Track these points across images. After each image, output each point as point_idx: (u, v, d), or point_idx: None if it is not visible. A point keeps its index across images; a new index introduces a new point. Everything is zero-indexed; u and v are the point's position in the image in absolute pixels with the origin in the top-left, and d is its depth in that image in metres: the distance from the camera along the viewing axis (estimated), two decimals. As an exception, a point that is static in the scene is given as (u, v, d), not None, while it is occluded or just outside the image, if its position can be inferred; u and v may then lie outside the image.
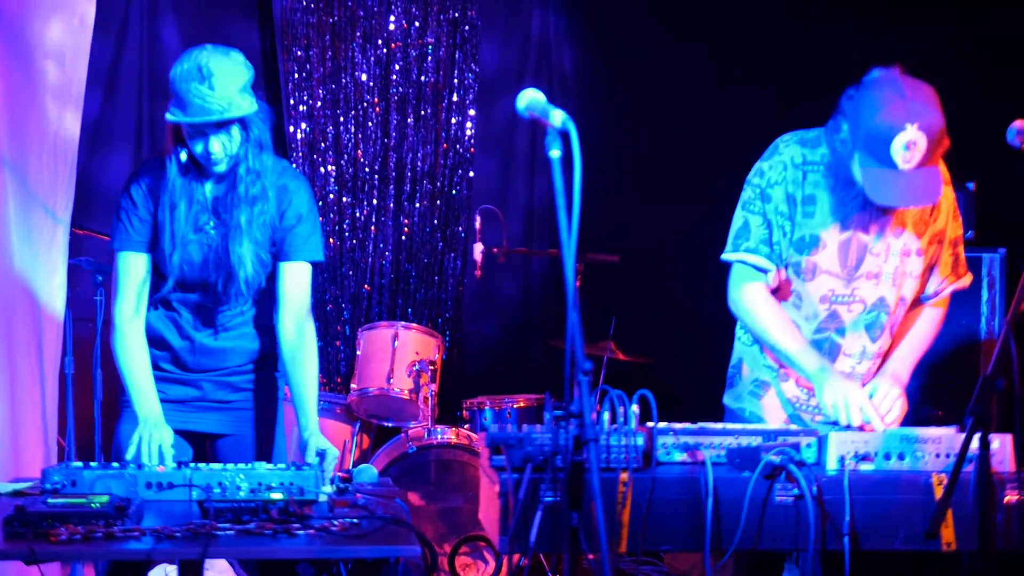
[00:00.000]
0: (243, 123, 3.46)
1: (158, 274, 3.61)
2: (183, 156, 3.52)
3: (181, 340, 3.66)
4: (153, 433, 3.42)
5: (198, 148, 3.46)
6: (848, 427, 3.26)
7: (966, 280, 3.64)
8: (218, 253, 3.56)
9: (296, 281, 3.64)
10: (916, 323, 3.61)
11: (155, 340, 3.66)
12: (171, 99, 3.43)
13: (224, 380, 3.70)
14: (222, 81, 3.38)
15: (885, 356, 3.57)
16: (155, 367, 3.65)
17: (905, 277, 3.49)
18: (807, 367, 3.41)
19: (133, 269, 3.59)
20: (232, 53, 3.46)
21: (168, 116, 3.43)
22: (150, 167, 3.61)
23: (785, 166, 3.44)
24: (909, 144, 3.18)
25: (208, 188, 3.56)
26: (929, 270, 3.55)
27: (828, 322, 3.50)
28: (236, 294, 3.59)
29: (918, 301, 3.60)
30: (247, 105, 3.44)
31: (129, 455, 3.38)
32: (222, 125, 3.43)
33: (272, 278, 3.65)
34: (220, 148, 3.45)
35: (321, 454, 3.40)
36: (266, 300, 3.68)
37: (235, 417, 3.72)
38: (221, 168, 3.50)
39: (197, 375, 3.69)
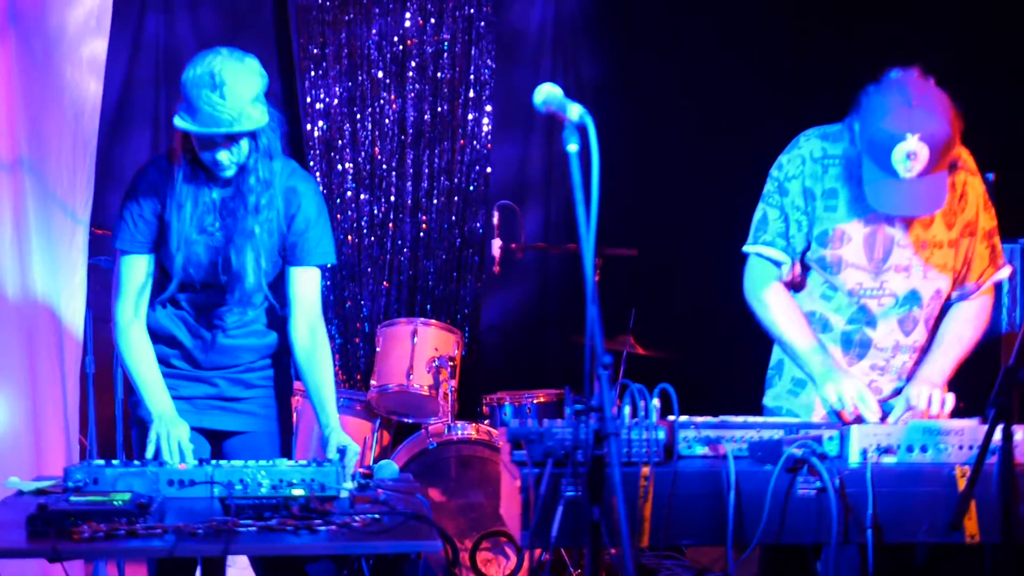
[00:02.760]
0: (253, 134, 3.43)
1: (164, 273, 3.60)
2: (190, 159, 3.50)
3: (192, 339, 3.65)
4: (171, 430, 3.43)
5: (206, 156, 3.44)
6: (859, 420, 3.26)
7: (1005, 271, 3.58)
8: (224, 257, 3.55)
9: (307, 286, 3.63)
10: (954, 323, 3.54)
11: (166, 338, 3.65)
12: (181, 102, 3.38)
13: (238, 377, 3.70)
14: (234, 91, 3.33)
15: (923, 350, 3.54)
16: (167, 364, 3.65)
17: (937, 270, 3.45)
18: (812, 368, 3.40)
19: (135, 271, 3.58)
20: (247, 60, 3.41)
21: (176, 122, 3.38)
22: (156, 166, 3.58)
23: (803, 160, 3.43)
24: (910, 154, 3.15)
25: (215, 191, 3.53)
26: (966, 264, 3.51)
27: (859, 315, 3.48)
28: (239, 300, 3.58)
29: (960, 297, 3.55)
30: (258, 116, 3.40)
31: (148, 454, 3.39)
32: (231, 137, 3.40)
33: (281, 278, 3.65)
34: (227, 157, 3.43)
35: (342, 450, 3.40)
36: (276, 295, 3.66)
37: (247, 414, 3.71)
38: (228, 174, 3.47)
39: (210, 372, 3.68)
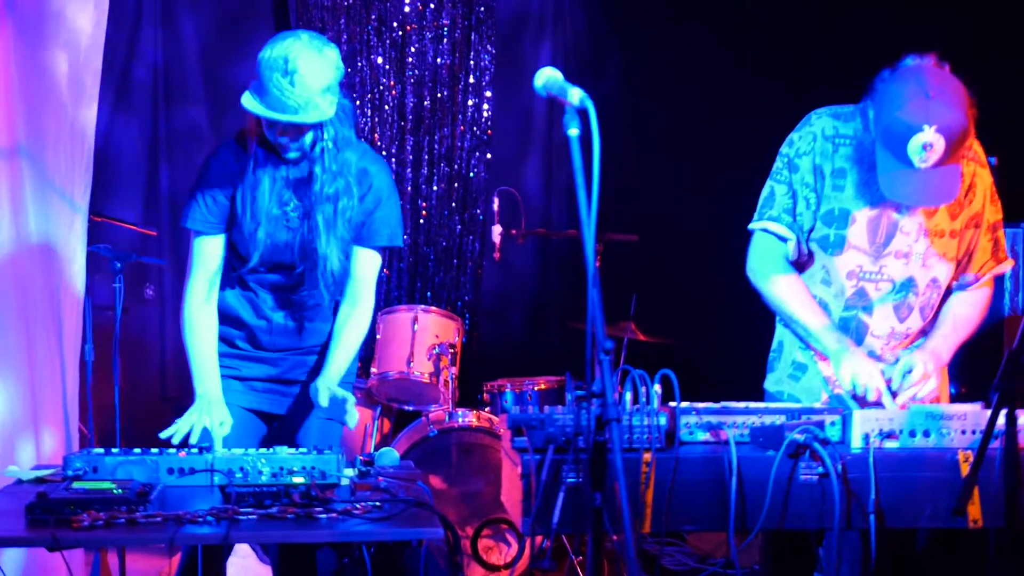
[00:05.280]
0: (318, 124, 3.44)
1: (236, 253, 3.62)
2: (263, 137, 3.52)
3: (258, 319, 3.68)
4: (203, 414, 3.43)
5: (271, 135, 3.46)
6: (867, 403, 3.24)
7: (1006, 265, 3.59)
8: (303, 242, 3.57)
9: (366, 265, 3.66)
10: (958, 306, 3.55)
11: (231, 318, 3.69)
12: (254, 79, 3.39)
13: (302, 359, 3.72)
14: (305, 80, 3.33)
15: (920, 335, 3.53)
16: (231, 344, 3.69)
17: (936, 259, 3.44)
18: (827, 345, 3.39)
19: (209, 252, 3.60)
20: (325, 50, 3.40)
21: (244, 99, 3.39)
22: (228, 148, 3.60)
23: (815, 137, 3.42)
24: (926, 145, 3.14)
25: (290, 169, 3.55)
26: (968, 255, 3.50)
27: (856, 299, 3.47)
28: (315, 284, 3.60)
29: (959, 287, 3.56)
30: (324, 108, 3.40)
31: (176, 436, 3.37)
32: (296, 124, 3.41)
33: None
34: (290, 141, 3.45)
35: (342, 401, 3.42)
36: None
37: (304, 399, 3.71)
38: (291, 156, 3.50)
39: (274, 354, 3.71)
